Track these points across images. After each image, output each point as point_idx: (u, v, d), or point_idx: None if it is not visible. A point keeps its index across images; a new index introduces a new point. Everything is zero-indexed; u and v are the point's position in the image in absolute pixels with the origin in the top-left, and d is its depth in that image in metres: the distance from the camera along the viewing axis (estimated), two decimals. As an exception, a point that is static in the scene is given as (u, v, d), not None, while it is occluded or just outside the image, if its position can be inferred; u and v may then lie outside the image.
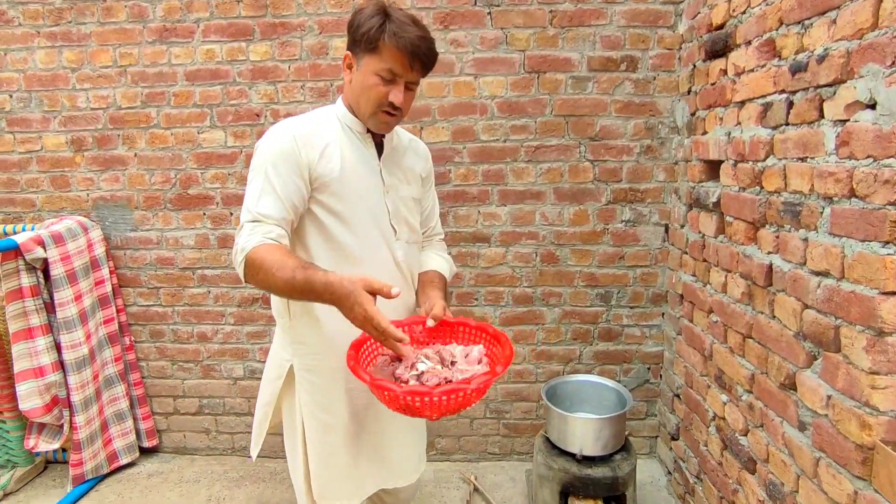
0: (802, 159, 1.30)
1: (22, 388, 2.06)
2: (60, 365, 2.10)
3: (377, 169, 1.30)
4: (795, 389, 1.34)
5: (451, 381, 1.04)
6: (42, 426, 2.16)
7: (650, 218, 2.22)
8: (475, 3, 2.10)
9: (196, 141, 2.25)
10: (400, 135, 1.41)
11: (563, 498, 1.82)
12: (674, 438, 2.18)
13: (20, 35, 2.21)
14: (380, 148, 1.32)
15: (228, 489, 2.26)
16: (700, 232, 1.91)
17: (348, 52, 1.22)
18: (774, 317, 1.44)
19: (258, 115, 2.23)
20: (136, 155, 2.27)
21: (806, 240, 1.28)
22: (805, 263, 1.29)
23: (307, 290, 1.05)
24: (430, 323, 1.23)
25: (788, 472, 1.38)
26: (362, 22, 1.16)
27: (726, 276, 1.71)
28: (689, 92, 2.02)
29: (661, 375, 2.34)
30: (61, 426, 2.14)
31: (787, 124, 1.36)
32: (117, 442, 2.31)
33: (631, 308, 2.29)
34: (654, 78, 2.11)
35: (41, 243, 1.99)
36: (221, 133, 2.24)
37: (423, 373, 1.06)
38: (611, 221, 2.23)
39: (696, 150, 1.94)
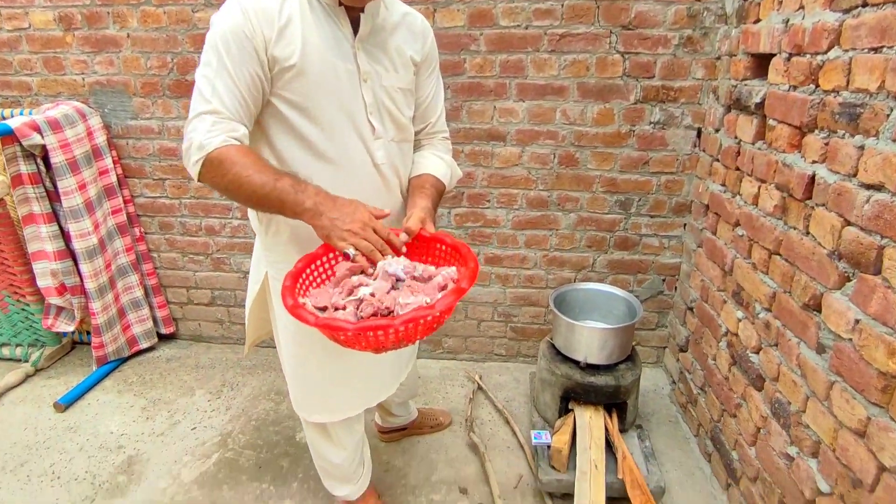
0: (876, 49, 1.10)
1: (38, 268, 2.13)
2: (69, 254, 2.12)
3: (351, 53, 1.08)
4: (820, 311, 1.25)
5: (390, 311, 0.93)
6: (60, 309, 2.23)
7: (682, 120, 2.02)
8: None
9: (191, 21, 2.07)
10: (390, 7, 1.16)
11: (563, 402, 1.84)
12: (682, 350, 2.16)
13: None
14: (355, 26, 1.09)
15: (241, 376, 2.36)
16: (736, 137, 1.73)
17: None
18: (808, 233, 1.32)
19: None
20: (128, 36, 2.11)
21: (862, 147, 1.12)
22: (855, 175, 1.14)
23: (289, 195, 0.98)
24: (403, 238, 1.07)
25: (797, 392, 1.34)
26: None
27: (759, 187, 1.56)
28: (745, -30, 1.73)
29: (676, 288, 2.27)
30: (73, 311, 2.21)
31: (865, 5, 1.14)
32: (136, 328, 2.39)
33: (651, 217, 2.17)
34: (707, -48, 1.82)
35: (37, 129, 1.91)
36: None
37: (361, 300, 0.95)
38: (638, 123, 2.04)
39: (744, 42, 1.70)
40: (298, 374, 1.34)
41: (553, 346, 1.89)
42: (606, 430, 1.76)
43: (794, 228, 1.38)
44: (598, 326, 1.76)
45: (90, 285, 2.14)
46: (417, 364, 1.94)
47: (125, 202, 2.28)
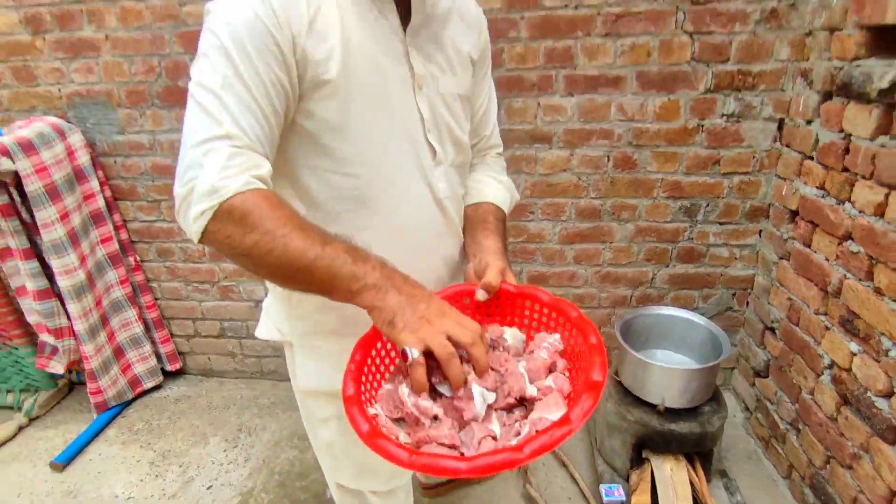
0: None
1: (24, 304, 1.91)
2: (52, 294, 1.86)
3: (401, 51, 0.80)
4: None
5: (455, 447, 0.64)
6: (54, 349, 1.98)
7: (761, 111, 1.71)
8: None
9: (179, 16, 1.77)
10: None
11: (636, 450, 1.57)
12: (759, 375, 1.88)
13: None
14: (405, 14, 0.80)
15: (259, 417, 2.10)
16: (842, 130, 1.43)
17: None
18: (973, 259, 1.03)
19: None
20: (107, 37, 1.82)
21: None
22: None
23: (343, 265, 0.66)
24: (481, 296, 0.80)
25: (959, 459, 1.06)
26: None
27: (888, 195, 1.26)
28: (850, -76, 1.41)
29: (747, 303, 1.98)
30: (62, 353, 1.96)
31: None
32: (137, 367, 2.14)
33: (720, 224, 1.87)
34: None
35: (6, 153, 1.64)
36: (210, 5, 1.75)
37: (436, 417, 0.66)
38: (708, 116, 1.73)
39: (856, 12, 1.38)
40: (336, 454, 1.08)
41: (620, 383, 1.61)
42: (692, 483, 1.49)
43: (948, 251, 1.09)
44: (680, 368, 1.48)
45: (79, 326, 1.88)
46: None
47: (116, 228, 2.01)
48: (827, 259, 1.50)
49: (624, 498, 1.52)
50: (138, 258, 2.11)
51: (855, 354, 1.38)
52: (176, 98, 1.87)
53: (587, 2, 1.62)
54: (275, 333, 1.00)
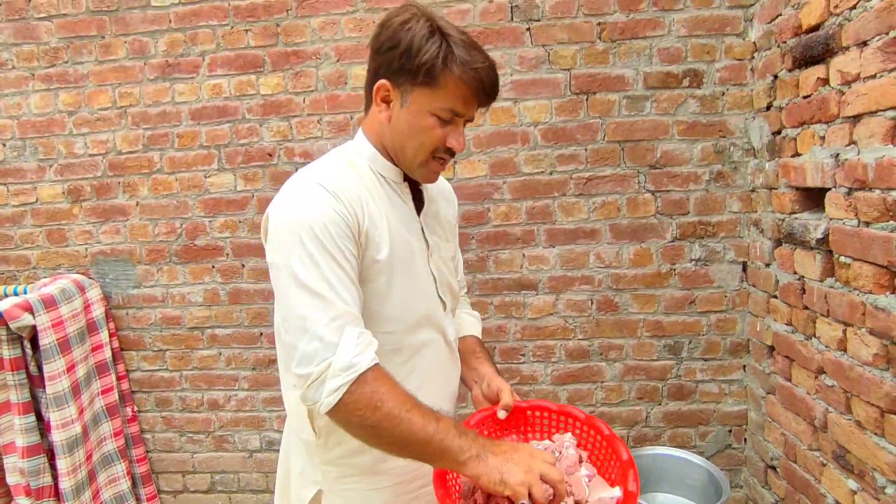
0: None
1: (8, 462, 1.85)
2: (42, 449, 1.84)
3: (418, 228, 1.02)
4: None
5: None
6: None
7: (724, 255, 1.89)
8: (511, 19, 1.84)
9: (203, 186, 2.02)
10: None
11: None
12: (770, 519, 1.81)
13: (14, 79, 2.02)
14: (418, 200, 1.04)
15: (243, 585, 1.94)
16: (796, 273, 1.58)
17: (386, 82, 0.90)
18: (932, 390, 1.10)
19: (271, 155, 1.99)
20: (137, 204, 2.05)
21: None
22: None
23: (454, 439, 0.80)
24: (502, 415, 0.97)
25: None
26: (417, 45, 0.85)
27: (845, 331, 1.37)
28: (768, 108, 1.72)
29: (745, 440, 1.98)
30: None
31: (941, 141, 1.05)
32: (118, 530, 2.02)
33: (705, 360, 1.95)
34: (723, 94, 1.82)
35: (29, 309, 1.75)
36: (230, 176, 2.01)
37: None
38: (678, 261, 1.91)
39: (785, 176, 1.62)
40: None
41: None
42: None
43: (910, 383, 1.16)
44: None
45: (66, 484, 1.82)
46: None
47: (118, 379, 2.05)
48: (808, 393, 1.56)
49: None
50: (136, 408, 2.12)
51: (855, 493, 1.37)
52: (192, 255, 2.05)
53: (560, 168, 1.89)
54: (307, 490, 1.01)
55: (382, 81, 0.90)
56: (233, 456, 2.14)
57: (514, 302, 1.96)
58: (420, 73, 0.86)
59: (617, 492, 0.81)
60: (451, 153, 0.94)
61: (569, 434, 0.96)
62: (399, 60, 0.87)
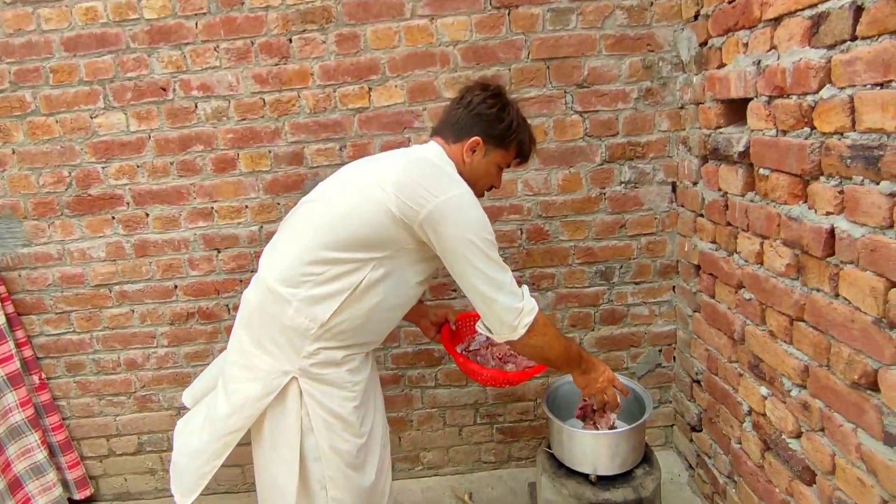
0: (881, 85, 0.94)
1: None
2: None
3: None
4: (877, 390, 1.02)
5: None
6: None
7: (654, 176, 1.86)
8: (422, -77, 1.65)
9: (90, 128, 1.79)
10: None
11: (578, 526, 1.50)
12: (695, 430, 1.89)
13: None
14: None
15: (182, 540, 1.90)
16: (720, 189, 1.56)
17: (478, 139, 1.25)
18: (838, 296, 1.11)
19: (164, 90, 1.78)
20: (14, 152, 1.81)
21: (893, 195, 0.94)
22: (892, 226, 0.95)
23: (576, 357, 1.34)
24: (453, 326, 1.60)
25: (868, 495, 1.08)
26: (509, 121, 1.26)
27: (762, 244, 1.37)
28: (695, 17, 1.64)
29: (674, 357, 2.03)
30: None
31: (854, 39, 1.00)
32: (38, 500, 1.91)
33: (636, 284, 1.96)
34: (651, 3, 1.72)
35: None
36: (121, 115, 1.79)
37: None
38: (608, 184, 1.86)
39: (710, 89, 1.57)
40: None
41: (552, 455, 1.58)
42: (637, 555, 1.43)
43: (819, 291, 1.17)
44: (605, 433, 1.47)
45: (-28, 459, 1.69)
46: (396, 487, 1.69)
47: (19, 346, 1.88)
48: (729, 308, 1.58)
49: (572, 580, 1.44)
50: (44, 376, 1.97)
51: (766, 398, 1.42)
52: (86, 207, 1.85)
53: (482, 92, 1.76)
54: (271, 378, 1.18)
55: (477, 139, 1.25)
56: (159, 415, 2.04)
57: (441, 236, 1.88)
58: (504, 140, 1.27)
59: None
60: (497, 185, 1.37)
61: (480, 322, 1.27)
62: (499, 131, 1.26)
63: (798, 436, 1.30)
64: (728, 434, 1.64)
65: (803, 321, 1.23)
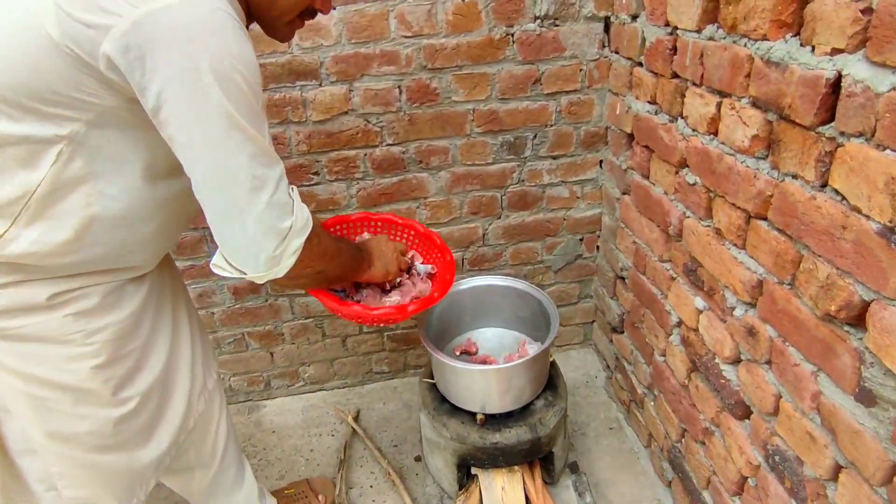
0: None
1: None
2: None
3: None
4: (860, 327, 0.68)
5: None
6: None
7: (581, 8, 1.33)
8: None
9: None
10: None
11: (462, 468, 1.23)
12: (616, 331, 1.61)
13: None
14: None
15: None
16: (668, 24, 1.07)
17: None
18: (826, 186, 0.72)
19: None
20: None
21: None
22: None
23: (356, 255, 0.96)
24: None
25: (817, 453, 0.80)
26: None
27: (719, 105, 0.93)
28: None
29: (597, 248, 1.68)
30: None
31: None
32: None
33: (554, 159, 1.52)
34: None
35: None
36: None
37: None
38: (517, 20, 1.32)
39: None
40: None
41: (436, 387, 1.25)
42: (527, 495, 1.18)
43: (796, 178, 0.77)
44: (495, 368, 1.12)
45: None
46: (273, 408, 1.58)
47: None
48: (666, 193, 1.19)
49: (452, 528, 1.20)
50: None
51: (701, 312, 1.09)
52: None
53: None
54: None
55: None
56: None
57: (288, 99, 1.33)
58: None
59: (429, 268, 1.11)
60: (313, 15, 0.83)
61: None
62: None
63: (735, 362, 1.00)
64: (652, 344, 1.35)
65: (765, 220, 0.85)
